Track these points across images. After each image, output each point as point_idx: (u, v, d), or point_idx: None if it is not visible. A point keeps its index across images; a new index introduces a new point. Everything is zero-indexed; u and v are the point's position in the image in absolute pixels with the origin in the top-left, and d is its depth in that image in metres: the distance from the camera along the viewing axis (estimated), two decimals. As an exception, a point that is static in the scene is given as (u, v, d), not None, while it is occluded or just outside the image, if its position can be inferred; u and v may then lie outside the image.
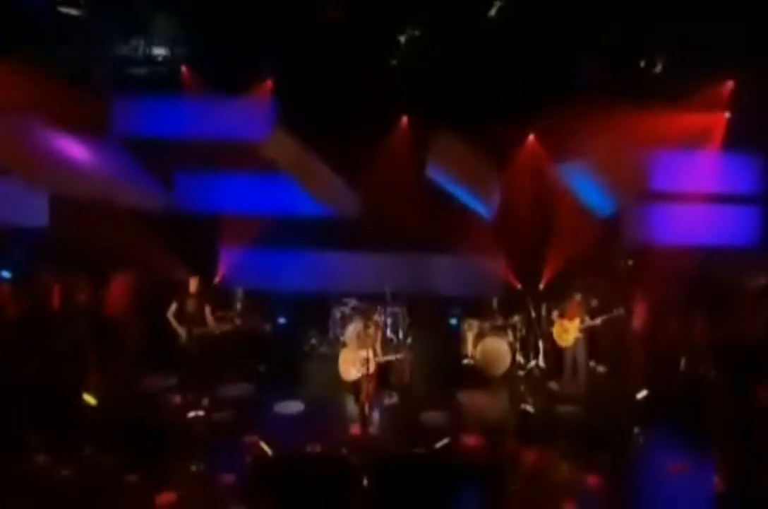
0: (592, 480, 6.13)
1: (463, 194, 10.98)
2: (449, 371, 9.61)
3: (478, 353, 9.81)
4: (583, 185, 10.68)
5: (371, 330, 7.84)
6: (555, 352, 9.47)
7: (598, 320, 8.65)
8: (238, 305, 10.38)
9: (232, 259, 11.60)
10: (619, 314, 8.53)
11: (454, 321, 11.20)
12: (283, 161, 10.06)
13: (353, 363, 7.94)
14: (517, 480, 6.02)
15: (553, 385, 9.22)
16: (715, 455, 6.47)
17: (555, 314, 9.02)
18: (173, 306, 8.23)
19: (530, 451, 6.69)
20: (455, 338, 10.64)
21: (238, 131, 10.56)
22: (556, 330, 8.93)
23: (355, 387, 7.89)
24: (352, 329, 7.78)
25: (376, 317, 7.83)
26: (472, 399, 8.73)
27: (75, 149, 9.68)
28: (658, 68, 9.87)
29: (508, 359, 9.68)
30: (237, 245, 11.29)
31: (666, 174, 10.82)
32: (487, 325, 10.19)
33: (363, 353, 7.66)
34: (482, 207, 11.13)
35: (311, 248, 11.17)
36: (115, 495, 5.34)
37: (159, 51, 10.64)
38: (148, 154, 10.15)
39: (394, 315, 10.50)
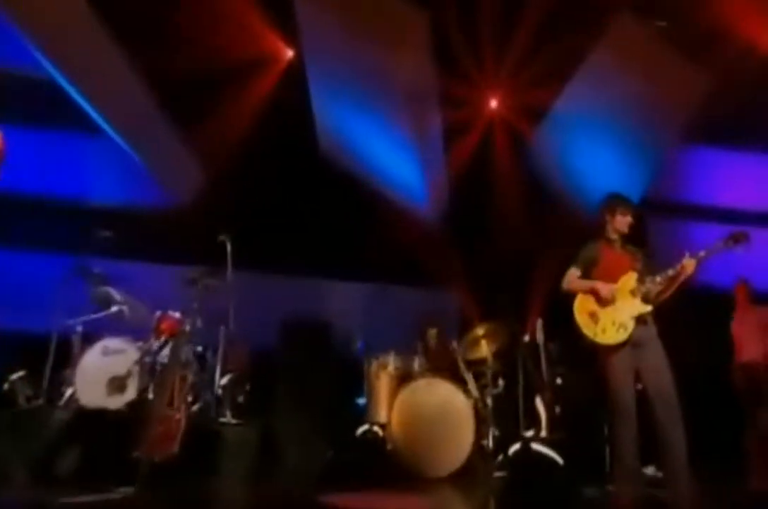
0: None
1: (383, 149, 6.39)
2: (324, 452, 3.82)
3: (395, 414, 4.12)
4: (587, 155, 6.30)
5: None
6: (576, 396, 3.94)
7: (657, 278, 3.24)
8: None
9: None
10: (689, 265, 3.14)
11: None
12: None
13: None
14: None
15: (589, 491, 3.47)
16: None
17: (573, 271, 3.51)
18: None
19: None
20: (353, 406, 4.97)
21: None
22: (580, 315, 3.38)
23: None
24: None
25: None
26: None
27: None
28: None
29: (467, 432, 4.00)
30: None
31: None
32: (418, 363, 4.64)
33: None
34: (420, 175, 6.50)
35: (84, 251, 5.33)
36: None
37: None
38: None
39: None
